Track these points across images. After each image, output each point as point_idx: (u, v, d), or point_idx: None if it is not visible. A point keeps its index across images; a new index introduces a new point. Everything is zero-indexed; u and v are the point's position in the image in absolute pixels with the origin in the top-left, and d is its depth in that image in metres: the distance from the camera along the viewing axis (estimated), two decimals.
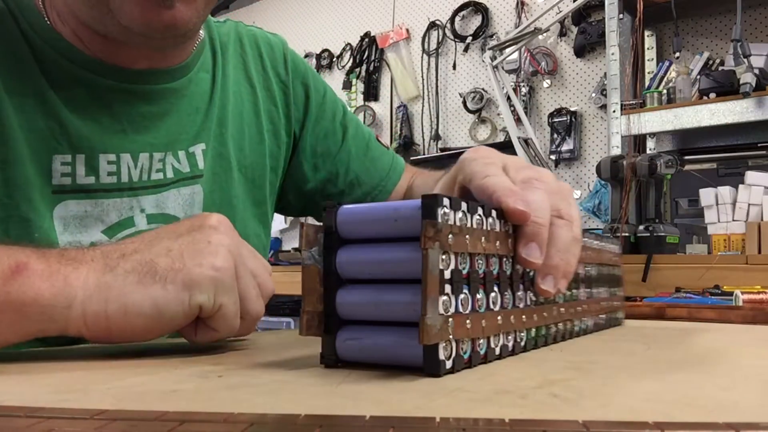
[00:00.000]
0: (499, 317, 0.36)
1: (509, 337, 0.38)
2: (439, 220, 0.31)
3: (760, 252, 1.94)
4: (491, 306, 0.35)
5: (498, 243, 0.36)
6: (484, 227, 0.35)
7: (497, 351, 0.36)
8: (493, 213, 0.37)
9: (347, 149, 0.80)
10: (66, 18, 0.59)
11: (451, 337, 0.31)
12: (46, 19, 0.59)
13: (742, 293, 1.27)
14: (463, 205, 0.33)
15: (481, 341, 0.35)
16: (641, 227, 2.14)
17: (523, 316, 0.39)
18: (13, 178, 0.57)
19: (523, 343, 0.40)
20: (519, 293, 0.39)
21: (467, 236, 0.33)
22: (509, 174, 0.43)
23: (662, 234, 2.09)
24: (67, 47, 0.59)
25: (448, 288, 0.31)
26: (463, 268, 0.33)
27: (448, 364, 0.31)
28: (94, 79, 0.60)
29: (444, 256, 0.31)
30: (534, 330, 0.41)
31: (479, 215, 0.35)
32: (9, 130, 0.57)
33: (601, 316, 0.53)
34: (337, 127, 0.80)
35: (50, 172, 0.58)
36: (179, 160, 0.65)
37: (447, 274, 0.31)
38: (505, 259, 0.37)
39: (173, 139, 0.65)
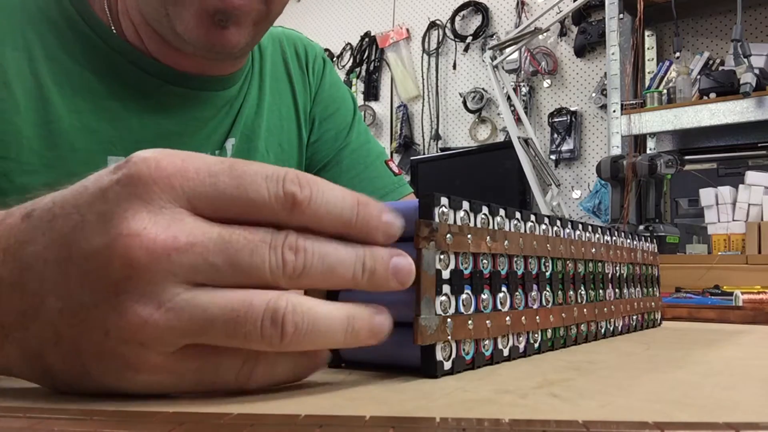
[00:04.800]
0: (507, 318, 0.36)
1: (520, 339, 0.37)
2: (437, 219, 0.31)
3: (760, 252, 1.94)
4: (499, 307, 0.35)
5: (507, 242, 0.36)
6: (491, 226, 0.35)
7: (506, 353, 0.36)
8: (501, 212, 0.36)
9: (338, 159, 0.79)
10: (132, 13, 0.59)
11: (449, 337, 0.31)
12: (107, 13, 0.59)
13: (742, 293, 1.27)
14: (465, 204, 0.33)
15: (486, 342, 0.34)
16: (641, 227, 2.15)
17: (537, 317, 0.38)
18: (67, 180, 0.56)
19: (537, 345, 0.39)
20: (533, 293, 0.39)
21: (469, 236, 0.33)
22: None
23: (662, 234, 2.10)
24: (124, 46, 0.59)
25: (446, 288, 0.31)
26: (465, 268, 0.33)
27: (447, 365, 0.31)
28: (148, 80, 0.60)
29: (442, 256, 0.31)
30: (551, 331, 0.40)
31: (484, 215, 0.35)
32: (61, 131, 0.57)
33: (633, 317, 0.52)
34: (341, 135, 0.79)
35: None
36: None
37: (446, 275, 0.31)
38: (516, 259, 0.37)
39: (214, 140, 0.66)
